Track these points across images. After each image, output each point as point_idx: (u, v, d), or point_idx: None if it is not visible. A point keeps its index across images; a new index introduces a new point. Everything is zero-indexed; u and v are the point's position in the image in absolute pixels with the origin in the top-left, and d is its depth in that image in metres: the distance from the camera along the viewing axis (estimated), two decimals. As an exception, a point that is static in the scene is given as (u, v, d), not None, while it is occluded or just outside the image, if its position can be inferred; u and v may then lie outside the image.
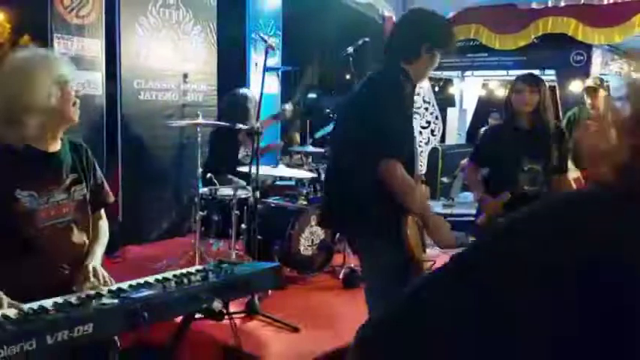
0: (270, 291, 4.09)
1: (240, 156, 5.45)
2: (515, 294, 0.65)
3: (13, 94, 2.11)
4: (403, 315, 0.74)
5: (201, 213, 4.48)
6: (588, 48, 8.42)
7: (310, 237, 4.59)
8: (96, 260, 2.34)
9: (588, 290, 0.61)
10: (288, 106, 6.05)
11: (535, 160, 3.47)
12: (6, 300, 1.91)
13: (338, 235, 4.72)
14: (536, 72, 9.89)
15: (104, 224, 2.55)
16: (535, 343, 0.63)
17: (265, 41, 4.12)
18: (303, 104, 10.99)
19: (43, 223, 2.20)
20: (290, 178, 5.29)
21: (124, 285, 2.18)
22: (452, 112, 11.44)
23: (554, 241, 0.66)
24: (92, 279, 2.20)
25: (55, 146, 2.28)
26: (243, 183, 4.82)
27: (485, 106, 11.82)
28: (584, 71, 8.52)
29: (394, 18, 6.98)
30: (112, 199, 2.55)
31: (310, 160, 5.66)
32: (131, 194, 5.49)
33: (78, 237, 2.32)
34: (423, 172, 6.67)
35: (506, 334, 0.64)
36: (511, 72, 10.29)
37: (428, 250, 3.13)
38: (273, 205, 4.82)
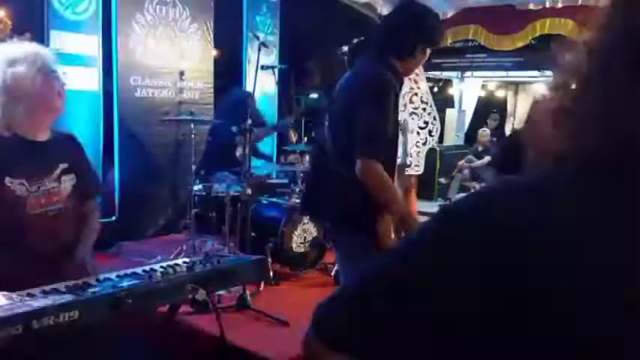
0: (262, 287, 4.13)
1: (237, 154, 5.46)
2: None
3: (7, 94, 2.16)
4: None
5: (195, 210, 4.51)
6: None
7: (303, 234, 4.63)
8: (84, 251, 2.38)
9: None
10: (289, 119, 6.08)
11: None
12: None
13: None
14: (535, 73, 9.93)
15: (94, 215, 2.58)
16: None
17: (258, 38, 4.15)
18: (304, 104, 11.00)
19: (33, 211, 2.23)
20: (285, 175, 5.32)
21: (112, 275, 2.21)
22: (451, 113, 11.45)
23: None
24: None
25: (44, 136, 2.32)
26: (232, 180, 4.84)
27: (484, 107, 11.83)
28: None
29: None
30: (101, 189, 2.58)
31: (306, 158, 5.69)
32: (127, 191, 5.53)
33: (68, 225, 2.36)
34: (420, 172, 6.68)
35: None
36: (510, 73, 10.30)
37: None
38: (266, 202, 4.85)
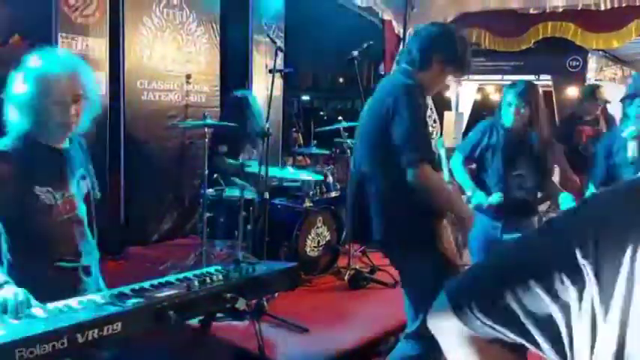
0: (276, 292, 4.09)
1: (241, 159, 5.39)
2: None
3: (31, 99, 2.12)
4: None
5: (208, 214, 4.46)
6: (584, 53, 8.48)
7: (316, 238, 4.60)
8: None
9: None
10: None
11: (524, 165, 3.43)
12: (32, 299, 1.90)
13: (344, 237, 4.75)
14: (531, 77, 9.97)
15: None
16: None
17: (275, 43, 4.13)
18: (297, 106, 11.00)
19: (59, 218, 2.21)
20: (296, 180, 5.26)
21: (146, 284, 2.17)
22: (449, 116, 11.48)
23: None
24: None
25: (66, 143, 2.30)
26: (246, 184, 4.77)
27: (479, 111, 11.90)
28: (579, 76, 8.59)
29: (394, 22, 7.00)
30: (98, 195, 2.53)
31: (313, 161, 5.66)
32: (133, 195, 5.48)
33: (87, 229, 2.34)
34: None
35: None
36: (506, 77, 10.33)
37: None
38: (279, 206, 4.80)
